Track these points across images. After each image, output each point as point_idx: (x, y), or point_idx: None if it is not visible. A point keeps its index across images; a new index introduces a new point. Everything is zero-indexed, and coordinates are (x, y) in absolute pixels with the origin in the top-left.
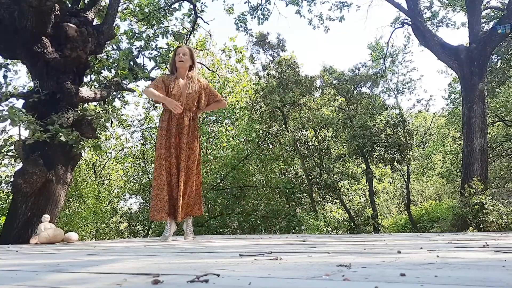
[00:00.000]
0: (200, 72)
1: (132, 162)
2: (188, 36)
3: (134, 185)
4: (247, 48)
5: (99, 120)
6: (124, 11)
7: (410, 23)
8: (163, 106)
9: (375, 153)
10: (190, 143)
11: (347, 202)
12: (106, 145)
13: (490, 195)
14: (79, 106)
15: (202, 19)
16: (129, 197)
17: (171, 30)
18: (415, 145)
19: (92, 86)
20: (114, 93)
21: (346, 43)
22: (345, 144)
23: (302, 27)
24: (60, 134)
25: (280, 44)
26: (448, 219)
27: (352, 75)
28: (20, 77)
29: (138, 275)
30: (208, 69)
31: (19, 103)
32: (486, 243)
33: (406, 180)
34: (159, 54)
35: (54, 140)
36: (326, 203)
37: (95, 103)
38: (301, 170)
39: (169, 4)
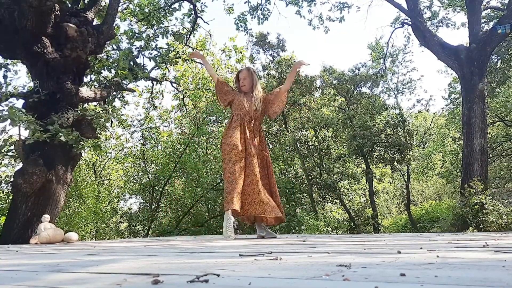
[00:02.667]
0: (200, 72)
1: (132, 162)
2: (188, 36)
3: (134, 185)
4: (247, 48)
5: (99, 120)
6: (124, 11)
7: (410, 23)
8: (233, 112)
9: (375, 153)
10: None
11: (347, 202)
12: (106, 145)
13: (490, 195)
14: (79, 106)
15: (202, 19)
16: (129, 197)
17: (171, 30)
18: (415, 145)
19: (92, 86)
20: (114, 93)
21: (346, 43)
22: (345, 144)
23: (302, 27)
24: (60, 134)
25: (280, 44)
26: (448, 219)
27: (352, 75)
28: (20, 77)
29: (138, 275)
30: None
31: (19, 103)
32: (486, 243)
33: (406, 180)
34: (159, 54)
35: (54, 140)
36: (326, 203)
37: (95, 103)
38: (301, 170)
39: (169, 4)
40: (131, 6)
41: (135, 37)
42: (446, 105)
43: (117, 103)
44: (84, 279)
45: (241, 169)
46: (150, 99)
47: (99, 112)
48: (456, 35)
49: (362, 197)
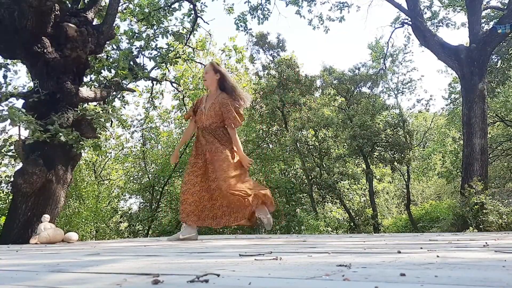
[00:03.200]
0: (200, 72)
1: (132, 162)
2: (188, 36)
3: (134, 185)
4: (247, 48)
5: (99, 120)
6: (124, 11)
7: (410, 23)
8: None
9: (375, 153)
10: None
11: (347, 202)
12: (106, 145)
13: (490, 195)
14: (79, 106)
15: (202, 19)
16: (129, 197)
17: (171, 30)
18: (415, 145)
19: (92, 86)
20: (114, 93)
21: (346, 43)
22: (345, 144)
23: (302, 27)
24: (60, 134)
25: (280, 44)
26: (448, 219)
27: (352, 75)
28: (20, 77)
29: (138, 275)
30: None
31: (19, 103)
32: (486, 243)
33: (406, 180)
34: (159, 54)
35: (54, 140)
36: (326, 203)
37: (95, 103)
38: (301, 170)
39: (169, 4)
40: (131, 6)
41: (135, 37)
42: (446, 105)
43: (117, 103)
44: (84, 279)
45: (200, 192)
46: (150, 99)
47: (99, 112)
48: (456, 35)
49: (362, 197)
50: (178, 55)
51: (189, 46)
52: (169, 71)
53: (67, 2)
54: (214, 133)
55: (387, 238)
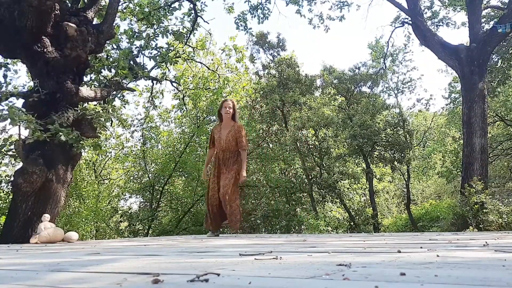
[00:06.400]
0: (200, 72)
1: (132, 162)
2: (188, 35)
3: (134, 185)
4: (247, 48)
5: (99, 119)
6: (124, 11)
7: (410, 22)
8: None
9: (375, 153)
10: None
11: (347, 201)
12: (106, 145)
13: (490, 194)
14: (79, 106)
15: (202, 19)
16: (129, 197)
17: (171, 30)
18: (415, 145)
19: (92, 86)
20: (114, 92)
21: (347, 42)
22: (345, 144)
23: (302, 26)
24: (60, 133)
25: (280, 44)
26: (448, 219)
27: (352, 74)
28: (20, 76)
29: (138, 274)
30: (208, 68)
31: (19, 102)
32: (486, 242)
33: (406, 179)
34: (159, 53)
35: (54, 140)
36: (326, 202)
37: (95, 103)
38: (301, 170)
39: (169, 4)
40: (131, 5)
41: (135, 36)
42: (446, 105)
43: (117, 102)
44: (84, 278)
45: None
46: (150, 99)
47: (99, 111)
48: (456, 34)
49: (362, 196)
50: (178, 54)
51: (189, 46)
52: (169, 70)
53: (67, 1)
54: (233, 157)
55: (387, 237)
